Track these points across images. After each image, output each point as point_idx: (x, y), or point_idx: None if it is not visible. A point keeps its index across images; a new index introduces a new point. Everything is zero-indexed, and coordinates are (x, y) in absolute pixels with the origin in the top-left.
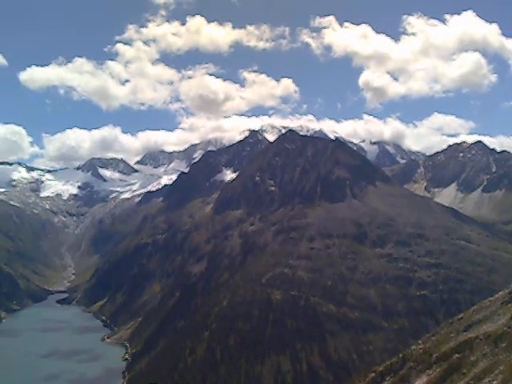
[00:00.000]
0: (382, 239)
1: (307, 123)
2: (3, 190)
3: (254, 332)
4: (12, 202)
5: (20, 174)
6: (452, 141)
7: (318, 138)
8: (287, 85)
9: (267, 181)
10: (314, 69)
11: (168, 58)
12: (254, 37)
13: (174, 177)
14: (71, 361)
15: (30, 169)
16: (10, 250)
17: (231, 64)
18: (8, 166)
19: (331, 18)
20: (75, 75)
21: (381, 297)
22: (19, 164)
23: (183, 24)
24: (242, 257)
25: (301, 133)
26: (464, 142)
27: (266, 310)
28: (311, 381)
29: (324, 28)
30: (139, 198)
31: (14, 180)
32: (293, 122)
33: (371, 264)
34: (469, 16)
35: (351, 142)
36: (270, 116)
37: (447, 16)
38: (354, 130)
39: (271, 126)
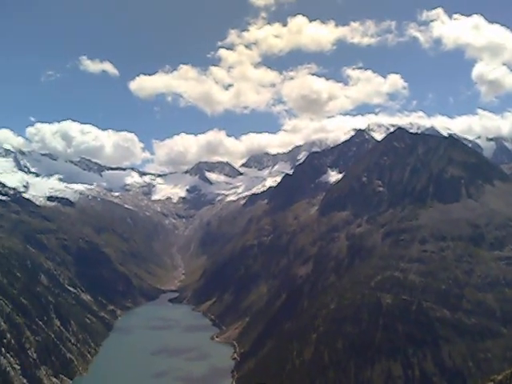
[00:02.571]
0: (500, 241)
1: (417, 120)
2: (118, 193)
3: (364, 336)
4: (126, 206)
5: (133, 178)
6: None
7: (430, 136)
8: (395, 81)
9: (375, 181)
10: (423, 63)
11: (270, 61)
12: (359, 33)
13: (279, 179)
14: (180, 358)
15: (142, 173)
16: (124, 251)
17: (334, 62)
18: (122, 172)
19: (439, 11)
20: (181, 82)
21: (499, 302)
22: (132, 169)
23: (284, 25)
24: (349, 259)
25: (411, 130)
26: None
27: (376, 314)
28: None
29: (432, 21)
30: (244, 201)
31: (128, 184)
32: (402, 120)
33: (488, 267)
34: None
35: (466, 139)
36: (376, 114)
37: None
38: (469, 125)
39: (378, 124)
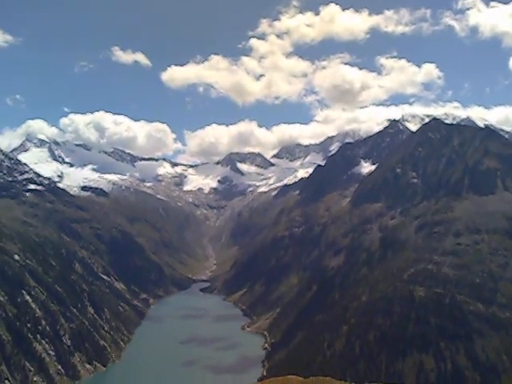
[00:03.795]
0: None
1: (453, 111)
2: (150, 184)
3: (395, 328)
4: (158, 196)
5: (165, 169)
6: None
7: (466, 127)
8: (430, 70)
9: (409, 172)
10: (458, 52)
11: (302, 50)
12: (393, 21)
13: (310, 170)
14: (209, 348)
15: (173, 164)
16: (156, 241)
17: (368, 51)
18: (154, 162)
19: None
20: (212, 72)
21: None
22: (164, 160)
23: (317, 14)
24: (382, 251)
25: (446, 121)
26: None
27: (408, 307)
28: (456, 381)
29: (468, 9)
30: (276, 192)
31: (160, 175)
32: (437, 110)
33: None
34: None
35: (503, 130)
36: (411, 104)
37: None
38: (506, 116)
39: (412, 114)
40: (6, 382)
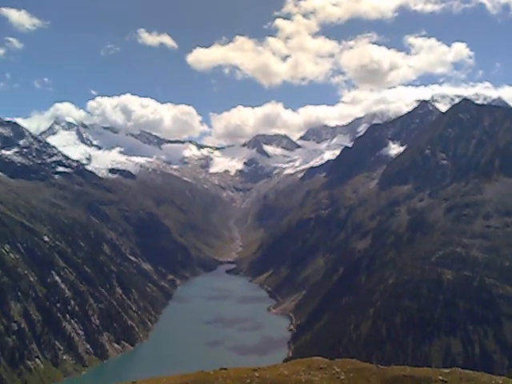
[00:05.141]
0: None
1: (483, 91)
2: (177, 166)
3: (423, 311)
4: (185, 178)
5: (191, 151)
6: None
7: (497, 107)
8: (460, 49)
9: (438, 154)
10: (490, 31)
11: (328, 30)
12: (422, 0)
13: (337, 152)
14: (234, 328)
15: (199, 146)
16: (183, 223)
17: (396, 31)
18: (180, 145)
19: None
20: (238, 54)
21: None
22: (190, 142)
23: None
24: (410, 234)
25: (476, 101)
26: None
27: (436, 290)
28: (484, 364)
29: None
30: (302, 174)
31: (186, 157)
32: (467, 90)
33: None
34: None
35: None
36: (440, 84)
37: None
38: None
39: (442, 95)
40: (37, 360)
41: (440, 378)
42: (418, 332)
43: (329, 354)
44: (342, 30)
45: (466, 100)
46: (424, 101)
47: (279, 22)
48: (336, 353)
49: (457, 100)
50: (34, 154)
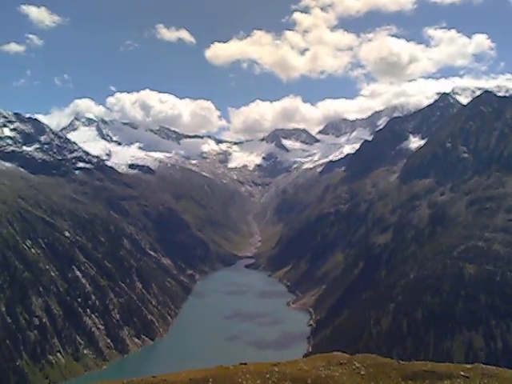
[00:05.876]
0: None
1: (505, 83)
2: (195, 161)
3: (444, 306)
4: (203, 173)
5: (210, 146)
6: None
7: None
8: (481, 41)
9: (460, 147)
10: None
11: (346, 23)
12: None
13: (357, 145)
14: (253, 323)
15: (218, 141)
16: (202, 218)
17: (415, 23)
18: (199, 140)
19: None
20: (256, 48)
21: None
22: (209, 137)
23: None
24: (431, 228)
25: (498, 94)
26: None
27: (458, 285)
28: (507, 360)
29: None
30: (321, 168)
31: (205, 152)
32: (488, 83)
33: None
34: None
35: None
36: (461, 77)
37: None
38: None
39: (463, 87)
40: (58, 354)
41: (462, 373)
42: (439, 327)
43: (349, 349)
44: (361, 23)
45: (487, 92)
46: (445, 93)
47: (297, 15)
48: (356, 348)
49: (478, 92)
50: (55, 150)
